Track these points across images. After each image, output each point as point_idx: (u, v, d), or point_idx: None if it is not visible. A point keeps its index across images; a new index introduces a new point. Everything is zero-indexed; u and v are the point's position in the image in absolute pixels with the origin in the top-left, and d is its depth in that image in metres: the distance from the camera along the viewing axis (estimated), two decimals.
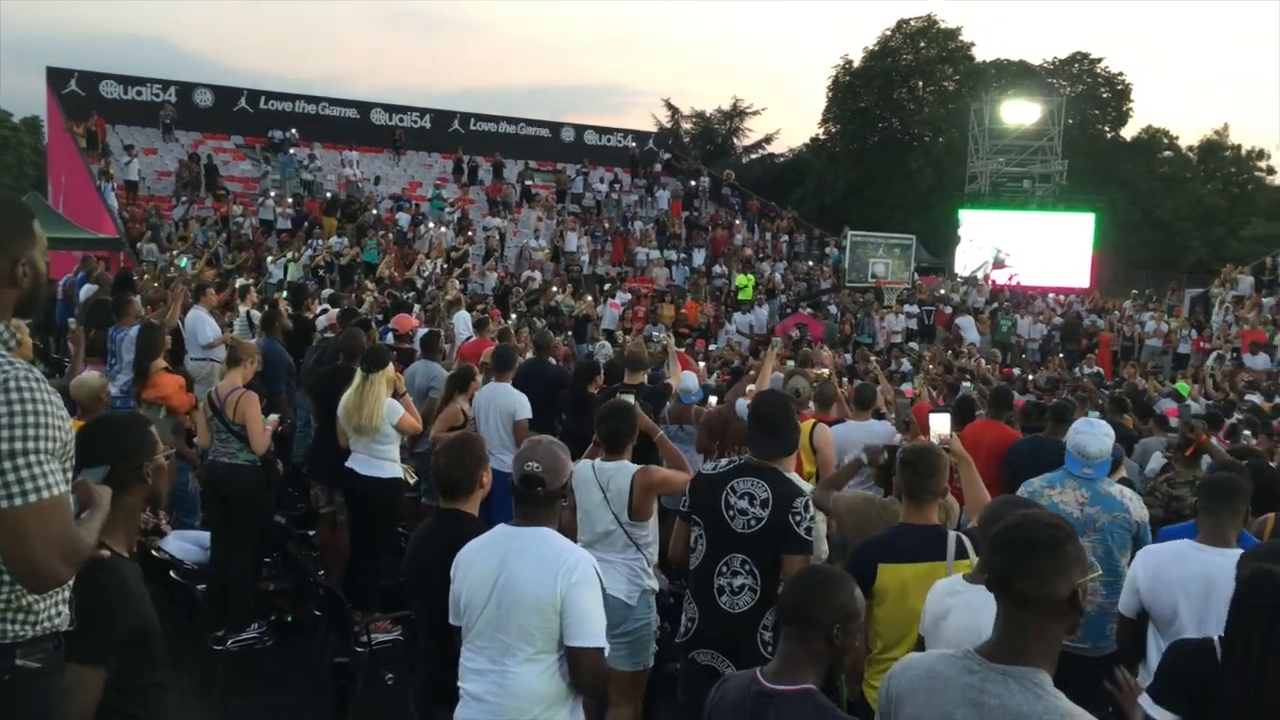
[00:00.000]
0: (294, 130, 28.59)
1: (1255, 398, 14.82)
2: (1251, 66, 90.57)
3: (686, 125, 48.16)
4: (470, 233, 25.63)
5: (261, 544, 6.42)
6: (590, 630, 3.06)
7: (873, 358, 17.17)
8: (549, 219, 28.33)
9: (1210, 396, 14.22)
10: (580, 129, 34.47)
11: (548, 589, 3.05)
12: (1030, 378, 16.05)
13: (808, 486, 4.75)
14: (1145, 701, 2.85)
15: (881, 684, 2.40)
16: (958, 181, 34.71)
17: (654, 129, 41.80)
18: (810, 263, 29.73)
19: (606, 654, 3.15)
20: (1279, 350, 20.20)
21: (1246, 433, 9.11)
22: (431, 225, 24.96)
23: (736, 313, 23.90)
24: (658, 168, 33.91)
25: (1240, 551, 3.71)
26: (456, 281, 19.81)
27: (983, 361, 16.95)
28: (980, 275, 28.20)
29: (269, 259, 20.74)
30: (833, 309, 25.02)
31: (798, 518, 3.79)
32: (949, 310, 24.62)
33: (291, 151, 27.70)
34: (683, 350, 11.62)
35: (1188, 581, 3.74)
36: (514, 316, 17.10)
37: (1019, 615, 2.16)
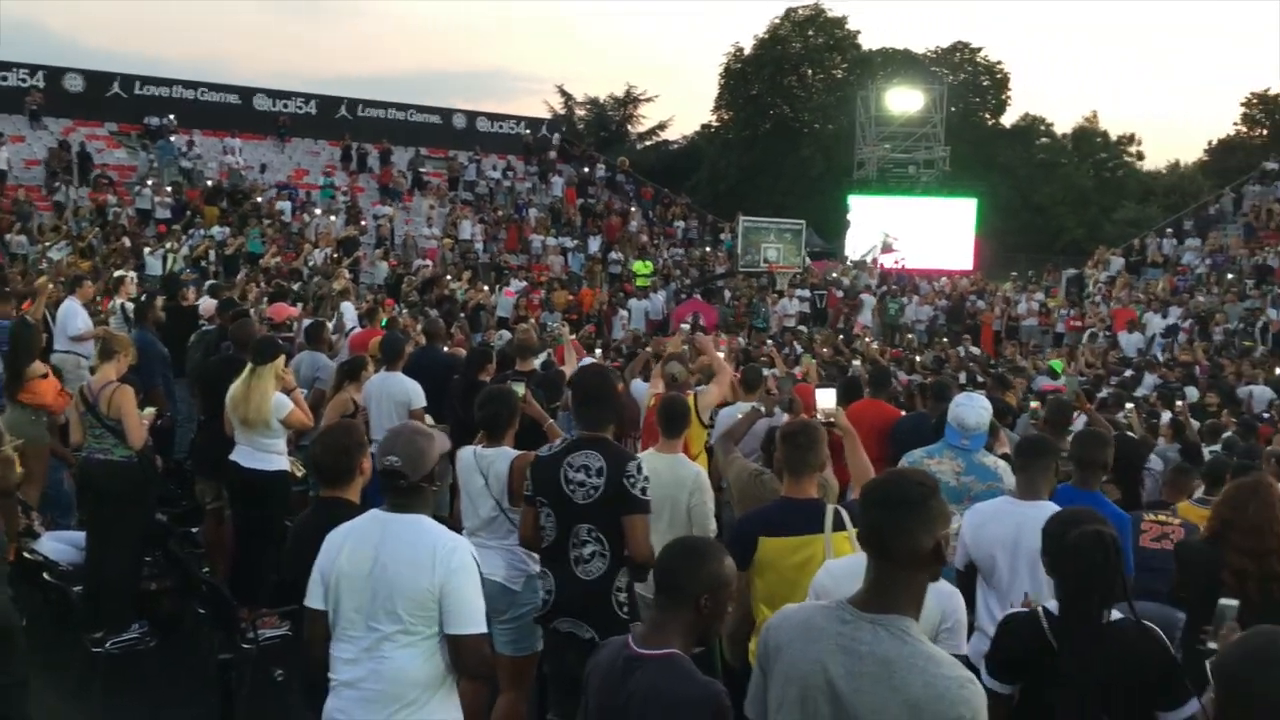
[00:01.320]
0: (172, 116, 27.48)
1: (1128, 373, 15.57)
2: (1116, 57, 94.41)
3: (580, 112, 47.97)
4: (362, 222, 25.15)
5: (142, 542, 6.22)
6: (471, 617, 3.06)
7: (769, 341, 17.50)
8: (441, 207, 27.99)
9: (1083, 373, 14.85)
10: (472, 115, 34.00)
11: (425, 577, 3.03)
12: (917, 359, 16.53)
13: (696, 467, 4.85)
14: (983, 674, 2.97)
15: (760, 635, 2.49)
16: (846, 168, 35.37)
17: (547, 115, 41.55)
18: (704, 249, 29.99)
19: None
20: (1148, 328, 21.19)
21: (1130, 405, 9.61)
22: (319, 213, 24.41)
23: (632, 299, 23.99)
24: (552, 154, 33.74)
25: (1051, 504, 3.95)
26: (346, 271, 19.41)
27: (872, 343, 17.38)
28: (869, 259, 28.84)
29: (146, 250, 20.00)
30: (726, 294, 25.29)
31: (631, 480, 3.91)
32: (840, 294, 25.14)
33: (170, 138, 26.72)
34: (575, 338, 11.63)
35: (1003, 535, 4.01)
36: (405, 307, 16.87)
37: (889, 568, 2.27)
